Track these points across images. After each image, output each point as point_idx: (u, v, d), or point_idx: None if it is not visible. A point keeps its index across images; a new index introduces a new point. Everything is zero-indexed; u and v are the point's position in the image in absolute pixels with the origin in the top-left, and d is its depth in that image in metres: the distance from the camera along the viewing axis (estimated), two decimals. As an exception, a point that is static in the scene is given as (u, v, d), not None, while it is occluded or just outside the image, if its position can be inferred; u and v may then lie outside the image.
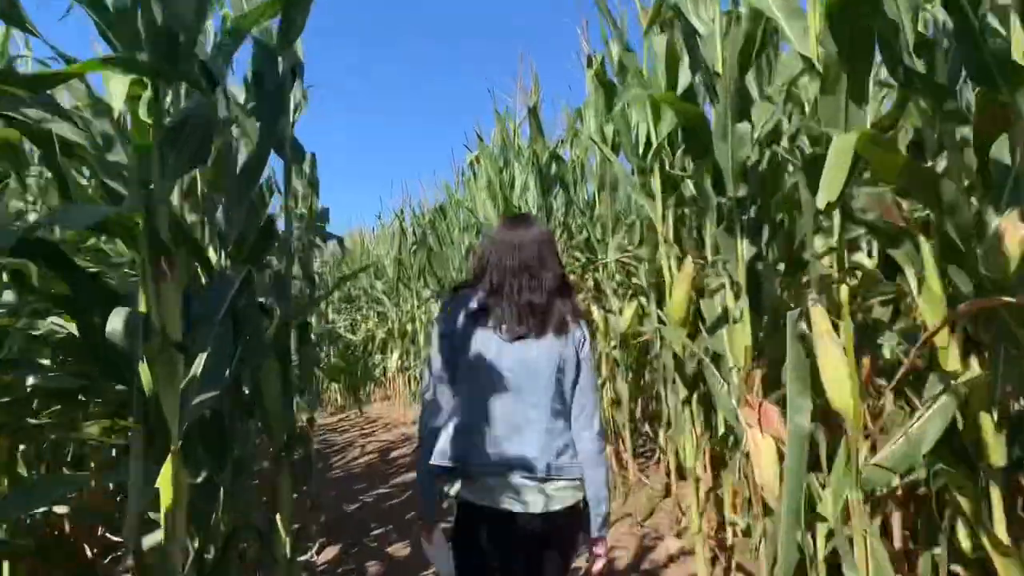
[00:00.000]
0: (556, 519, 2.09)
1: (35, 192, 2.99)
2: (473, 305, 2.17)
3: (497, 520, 2.07)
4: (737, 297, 2.99)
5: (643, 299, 5.23)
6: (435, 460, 2.09)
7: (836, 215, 2.19)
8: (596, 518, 2.16)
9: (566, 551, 2.17)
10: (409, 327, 10.89)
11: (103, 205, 2.05)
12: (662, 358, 4.06)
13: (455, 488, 2.13)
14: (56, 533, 3.10)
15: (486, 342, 2.12)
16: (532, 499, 2.06)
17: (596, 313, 5.89)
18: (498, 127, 7.12)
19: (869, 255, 3.01)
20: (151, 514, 2.06)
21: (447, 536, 2.22)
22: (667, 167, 3.90)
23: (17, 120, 1.69)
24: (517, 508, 2.06)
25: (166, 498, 1.82)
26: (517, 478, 2.06)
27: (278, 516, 2.98)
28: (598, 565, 2.24)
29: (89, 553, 3.10)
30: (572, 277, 5.93)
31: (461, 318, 2.17)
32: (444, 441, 2.09)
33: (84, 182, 2.87)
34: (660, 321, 4.09)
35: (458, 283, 2.38)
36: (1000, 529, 2.08)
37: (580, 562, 2.42)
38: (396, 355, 11.42)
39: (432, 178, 21.30)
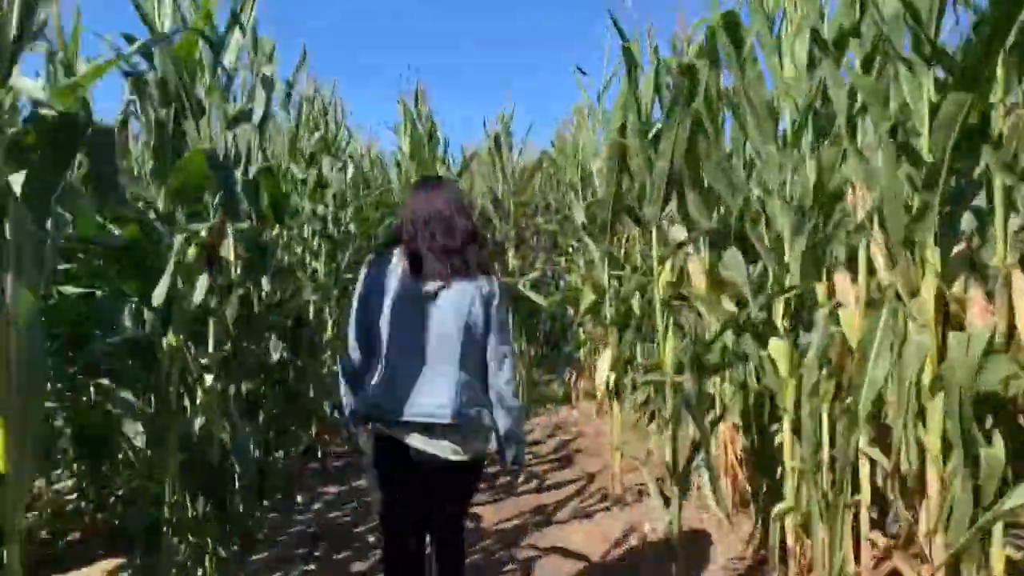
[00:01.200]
0: (460, 467, 2.37)
1: None
2: (392, 259, 2.40)
3: (408, 455, 2.35)
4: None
5: None
6: (360, 409, 2.42)
7: None
8: (512, 448, 2.46)
9: (468, 494, 2.56)
10: (635, 300, 4.75)
11: None
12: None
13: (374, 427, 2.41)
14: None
15: (403, 295, 2.32)
16: (441, 447, 2.32)
17: None
18: None
19: None
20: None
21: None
22: None
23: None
24: (427, 452, 2.32)
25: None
26: (428, 428, 2.30)
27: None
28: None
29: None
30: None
31: (381, 273, 2.39)
32: (368, 391, 2.38)
33: None
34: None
35: (381, 244, 2.82)
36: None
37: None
38: (607, 355, 4.81)
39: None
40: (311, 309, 5.45)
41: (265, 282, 4.07)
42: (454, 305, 2.34)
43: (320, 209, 5.84)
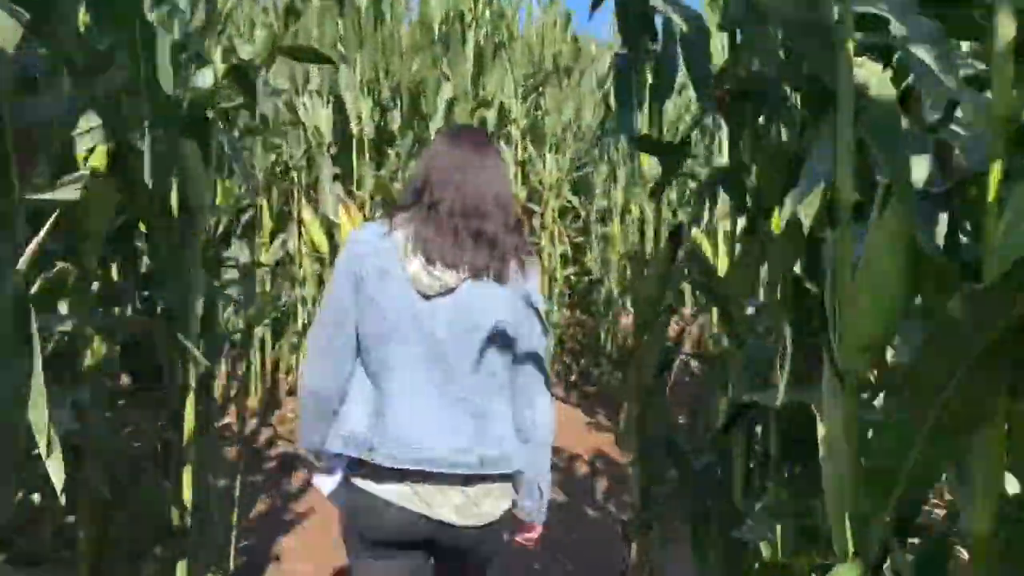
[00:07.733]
0: (480, 535, 1.65)
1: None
2: (398, 234, 1.61)
3: (405, 521, 1.61)
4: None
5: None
6: (335, 447, 1.64)
7: None
8: (536, 505, 1.73)
9: (483, 568, 1.77)
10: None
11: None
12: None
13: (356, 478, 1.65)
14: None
15: (409, 287, 1.58)
16: (454, 506, 1.62)
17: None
18: None
19: None
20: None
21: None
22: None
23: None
24: (434, 516, 1.61)
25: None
26: (437, 478, 1.60)
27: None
28: (531, 536, 1.80)
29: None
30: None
31: (379, 251, 1.61)
32: (347, 421, 1.63)
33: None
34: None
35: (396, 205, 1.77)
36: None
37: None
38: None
39: None
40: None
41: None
42: (489, 304, 1.62)
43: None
